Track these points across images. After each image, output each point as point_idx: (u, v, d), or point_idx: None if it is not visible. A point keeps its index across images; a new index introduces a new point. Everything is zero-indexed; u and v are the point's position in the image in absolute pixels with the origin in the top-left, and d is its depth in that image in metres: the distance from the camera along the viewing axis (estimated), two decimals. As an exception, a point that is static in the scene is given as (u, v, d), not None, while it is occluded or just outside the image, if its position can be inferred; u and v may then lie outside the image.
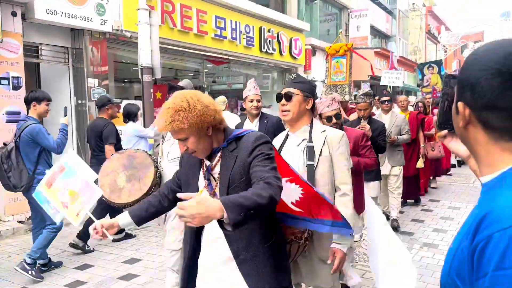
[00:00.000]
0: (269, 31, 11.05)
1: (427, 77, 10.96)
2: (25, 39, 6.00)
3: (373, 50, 18.51)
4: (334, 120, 3.28)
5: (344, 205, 2.22)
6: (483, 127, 0.82)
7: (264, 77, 13.07)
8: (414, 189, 6.62)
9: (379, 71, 18.44)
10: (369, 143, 3.54)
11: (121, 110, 6.31)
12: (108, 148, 4.70)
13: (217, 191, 1.83)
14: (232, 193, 1.68)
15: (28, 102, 4.09)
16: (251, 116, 3.99)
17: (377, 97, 8.25)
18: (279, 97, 2.30)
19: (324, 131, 2.32)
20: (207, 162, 1.86)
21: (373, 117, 5.68)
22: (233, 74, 12.12)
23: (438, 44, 32.59)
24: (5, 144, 4.05)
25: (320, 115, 3.36)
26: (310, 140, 2.27)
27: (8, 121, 5.71)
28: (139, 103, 6.61)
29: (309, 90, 2.32)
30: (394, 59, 13.57)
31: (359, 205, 3.44)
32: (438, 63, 10.38)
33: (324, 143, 2.26)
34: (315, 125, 2.35)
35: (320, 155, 2.24)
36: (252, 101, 3.92)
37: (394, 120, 5.56)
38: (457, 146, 1.07)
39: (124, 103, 6.32)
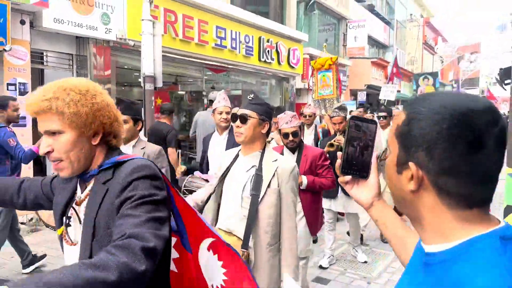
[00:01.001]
0: (268, 41, 11.31)
1: (421, 88, 11.16)
2: (31, 46, 6.21)
3: (370, 60, 18.83)
4: (291, 138, 3.33)
5: (290, 249, 2.12)
6: (437, 193, 0.72)
7: (262, 84, 13.33)
8: None
9: (376, 80, 18.77)
10: (327, 162, 3.49)
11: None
12: (171, 151, 5.20)
13: (79, 241, 1.26)
14: (96, 249, 1.16)
15: None
16: (220, 129, 3.91)
17: (373, 114, 8.43)
18: (233, 117, 2.19)
19: (275, 160, 2.17)
20: (78, 191, 1.32)
21: None
22: (232, 81, 12.37)
23: (435, 55, 33.00)
24: None
25: (279, 130, 3.46)
26: (260, 169, 2.13)
27: (14, 126, 5.89)
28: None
29: (265, 113, 2.20)
30: (391, 69, 13.87)
31: (315, 224, 3.51)
32: (434, 75, 10.60)
33: (274, 174, 2.13)
34: (267, 153, 2.22)
35: (268, 186, 2.11)
36: (221, 113, 3.82)
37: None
38: (359, 194, 1.02)
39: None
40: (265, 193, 2.10)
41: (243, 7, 10.70)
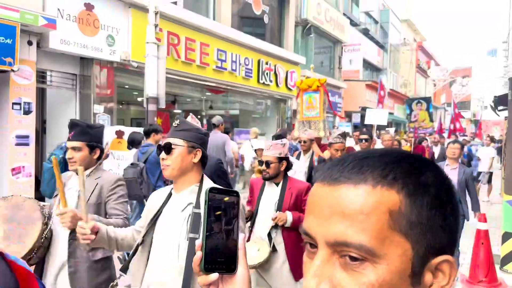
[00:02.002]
0: (267, 63, 11.54)
1: (415, 113, 11.34)
2: (37, 65, 6.31)
3: (365, 82, 19.19)
4: (263, 167, 3.05)
5: None
6: None
7: (258, 103, 13.53)
8: None
9: (370, 102, 19.09)
10: None
11: (126, 137, 6.64)
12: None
13: None
14: None
15: (148, 133, 5.33)
16: None
17: (356, 133, 8.47)
18: (158, 149, 1.90)
19: None
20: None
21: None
22: (230, 102, 12.55)
23: (428, 78, 33.64)
24: (132, 165, 5.07)
25: None
26: (198, 205, 1.79)
27: (17, 144, 5.95)
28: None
29: (196, 139, 1.90)
30: (378, 93, 14.12)
31: (300, 268, 3.25)
32: (427, 100, 10.70)
33: None
34: (206, 185, 1.88)
35: None
36: None
37: None
38: None
39: (130, 130, 6.63)
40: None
41: (240, 28, 10.95)
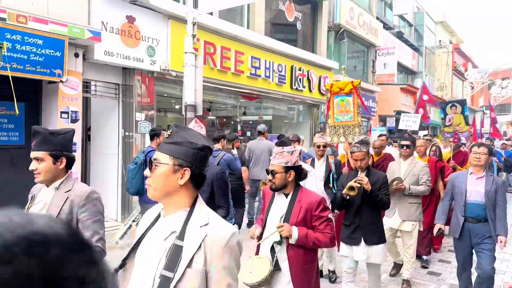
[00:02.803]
0: (300, 69, 11.61)
1: (450, 117, 11.01)
2: (82, 76, 6.66)
3: (399, 86, 18.88)
4: (270, 177, 2.81)
5: None
6: None
7: (290, 109, 13.61)
8: (425, 243, 5.80)
9: (405, 106, 18.74)
10: (327, 213, 2.80)
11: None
12: (244, 169, 5.83)
13: None
14: None
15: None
16: None
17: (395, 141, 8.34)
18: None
19: (206, 225, 1.50)
20: None
21: (394, 162, 5.43)
22: (263, 107, 12.70)
23: (465, 81, 32.62)
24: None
25: None
26: (182, 236, 1.47)
27: (66, 151, 6.29)
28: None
29: (186, 155, 1.53)
30: (419, 97, 13.81)
31: None
32: (462, 102, 10.28)
33: (200, 247, 1.45)
34: (198, 212, 1.54)
35: (189, 265, 1.42)
36: None
37: (412, 167, 4.95)
38: None
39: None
40: (182, 274, 1.41)
41: (272, 36, 11.09)
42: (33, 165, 2.29)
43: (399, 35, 21.35)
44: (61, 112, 6.30)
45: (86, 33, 6.14)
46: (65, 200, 2.26)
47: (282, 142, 3.98)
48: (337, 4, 14.02)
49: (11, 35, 5.32)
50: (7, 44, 4.86)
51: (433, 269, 5.65)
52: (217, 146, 6.11)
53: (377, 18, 17.64)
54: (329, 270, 5.13)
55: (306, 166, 4.03)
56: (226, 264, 1.47)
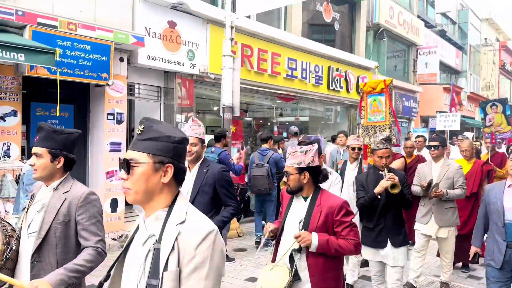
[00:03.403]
0: (337, 70, 11.55)
1: (490, 117, 10.45)
2: (127, 80, 6.99)
3: (442, 86, 18.29)
4: (285, 178, 2.68)
5: None
6: None
7: (327, 110, 13.53)
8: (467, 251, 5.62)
9: (448, 107, 18.12)
10: (350, 218, 2.58)
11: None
12: None
13: None
14: None
15: (219, 138, 6.03)
16: (188, 163, 3.21)
17: (419, 138, 7.97)
18: (120, 165, 1.45)
19: (182, 222, 1.35)
20: None
21: (423, 164, 5.20)
22: (300, 109, 12.72)
23: (514, 79, 31.05)
24: (257, 165, 6.52)
25: None
26: (160, 239, 1.34)
27: (111, 151, 6.65)
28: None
29: (166, 150, 1.41)
30: (451, 97, 13.37)
31: None
32: (503, 101, 9.67)
33: (173, 247, 1.31)
34: (177, 209, 1.40)
35: (165, 269, 1.30)
36: None
37: (445, 170, 4.64)
38: None
39: (209, 137, 7.08)
40: (162, 279, 1.30)
41: (309, 36, 11.09)
42: (31, 160, 2.27)
43: (442, 34, 20.69)
44: (107, 114, 6.65)
45: (130, 38, 6.45)
46: (63, 202, 2.20)
47: (301, 142, 3.95)
48: (376, 4, 13.82)
49: (62, 42, 5.70)
50: (59, 50, 5.20)
51: (473, 273, 5.49)
52: (265, 146, 6.74)
53: (418, 17, 17.19)
54: (347, 284, 4.80)
55: (328, 170, 3.85)
56: (199, 265, 1.28)
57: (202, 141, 3.18)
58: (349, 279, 4.83)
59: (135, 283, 1.36)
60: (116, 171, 6.68)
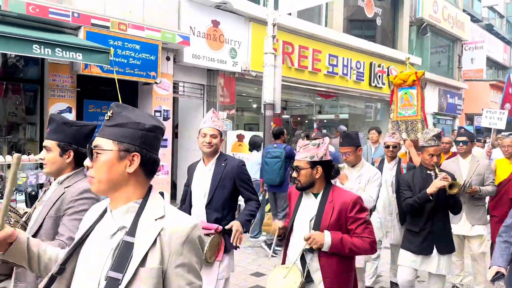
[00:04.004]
0: (379, 66, 11.37)
1: None
2: (173, 78, 7.23)
3: (489, 82, 17.55)
4: (294, 174, 2.50)
5: None
6: None
7: (367, 107, 13.33)
8: None
9: (495, 104, 17.35)
10: (364, 215, 2.43)
11: (246, 140, 7.22)
12: None
13: None
14: None
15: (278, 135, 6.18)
16: (205, 156, 3.09)
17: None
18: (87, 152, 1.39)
19: (161, 217, 1.28)
20: None
21: (449, 160, 4.96)
22: (339, 106, 12.61)
23: None
24: None
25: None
26: (132, 232, 1.26)
27: (158, 147, 6.89)
28: (261, 134, 7.43)
29: (133, 138, 1.30)
30: (504, 92, 12.75)
31: None
32: None
33: (155, 242, 1.24)
34: (152, 203, 1.32)
35: (141, 264, 1.22)
36: (205, 136, 2.97)
37: (475, 166, 4.47)
38: None
39: (250, 134, 7.21)
40: (134, 275, 1.21)
41: (350, 32, 10.97)
42: (41, 154, 2.15)
43: (489, 28, 19.83)
44: (155, 111, 6.90)
45: (177, 37, 6.66)
46: (60, 196, 2.02)
47: (347, 135, 3.71)
48: (419, -2, 13.46)
49: (114, 41, 5.97)
50: (112, 50, 5.46)
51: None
52: (278, 142, 6.61)
53: (464, 11, 16.57)
54: (391, 282, 4.65)
55: (368, 166, 3.71)
56: (187, 261, 1.26)
57: (221, 134, 3.06)
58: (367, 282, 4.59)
59: (97, 275, 1.26)
60: (162, 166, 6.92)
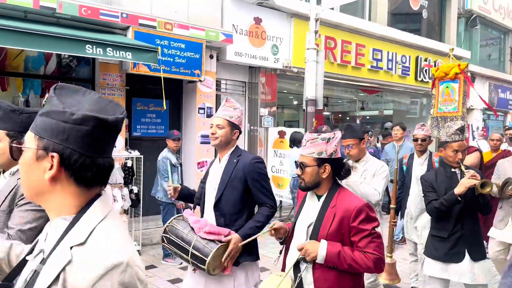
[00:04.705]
0: (426, 60, 10.99)
1: None
2: (216, 75, 7.34)
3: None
4: (298, 171, 2.24)
5: None
6: None
7: (412, 103, 12.91)
8: None
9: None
10: (371, 225, 2.09)
11: (287, 137, 7.21)
12: None
13: None
14: None
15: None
16: (218, 151, 2.77)
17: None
18: None
19: (80, 245, 0.96)
20: None
21: (504, 159, 4.58)
22: (383, 101, 12.30)
23: None
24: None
25: None
26: (46, 260, 0.99)
27: (202, 143, 7.04)
28: (302, 130, 7.40)
29: (53, 133, 0.99)
30: None
31: None
32: None
33: (57, 278, 0.93)
34: (83, 222, 1.00)
35: None
36: (211, 126, 2.68)
37: None
38: None
39: (291, 130, 7.20)
40: None
41: (394, 26, 10.65)
42: None
43: (546, 17, 18.58)
44: (199, 108, 7.04)
45: (220, 36, 6.75)
46: (13, 188, 1.86)
47: (350, 126, 3.43)
48: (468, -12, 12.86)
49: (160, 41, 6.14)
50: (159, 49, 5.63)
51: None
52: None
53: (517, -1, 15.63)
54: None
55: (375, 163, 3.43)
56: None
57: (235, 126, 2.66)
58: None
59: None
60: (206, 162, 7.05)
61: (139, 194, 5.78)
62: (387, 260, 3.82)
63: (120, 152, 5.75)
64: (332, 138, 2.17)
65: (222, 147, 2.68)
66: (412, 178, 4.30)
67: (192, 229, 2.52)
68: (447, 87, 5.04)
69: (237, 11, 7.34)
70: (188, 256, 2.47)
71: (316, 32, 7.18)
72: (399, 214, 4.49)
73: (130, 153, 5.71)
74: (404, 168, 4.50)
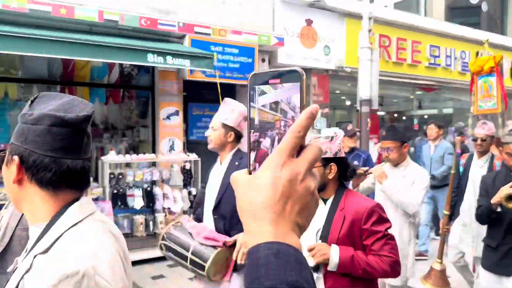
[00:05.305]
0: (487, 54, 10.39)
1: None
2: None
3: None
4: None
5: None
6: None
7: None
8: None
9: None
10: (383, 227, 1.97)
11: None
12: None
13: None
14: None
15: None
16: (219, 153, 2.73)
17: None
18: None
19: (43, 253, 0.94)
20: None
21: None
22: (442, 100, 11.79)
23: None
24: None
25: None
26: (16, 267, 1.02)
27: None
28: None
29: (16, 136, 0.99)
30: None
31: None
32: None
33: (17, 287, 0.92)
34: (54, 229, 0.98)
35: None
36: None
37: None
38: None
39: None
40: None
41: (451, 21, 10.21)
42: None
43: None
44: (250, 111, 7.15)
45: (272, 39, 6.83)
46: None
47: (392, 127, 3.19)
48: (534, -25, 12.02)
49: (215, 47, 6.33)
50: (215, 55, 5.81)
51: None
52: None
53: None
54: None
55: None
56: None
57: (230, 128, 2.60)
58: None
59: None
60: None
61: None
62: (436, 266, 3.65)
63: (179, 155, 5.98)
64: (336, 136, 2.08)
65: (218, 149, 2.66)
66: (469, 182, 3.97)
67: (190, 234, 2.51)
68: (484, 82, 4.65)
69: (288, 14, 7.38)
70: (187, 262, 2.46)
71: (369, 30, 7.06)
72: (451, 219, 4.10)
73: (188, 156, 5.92)
74: (461, 169, 4.16)
